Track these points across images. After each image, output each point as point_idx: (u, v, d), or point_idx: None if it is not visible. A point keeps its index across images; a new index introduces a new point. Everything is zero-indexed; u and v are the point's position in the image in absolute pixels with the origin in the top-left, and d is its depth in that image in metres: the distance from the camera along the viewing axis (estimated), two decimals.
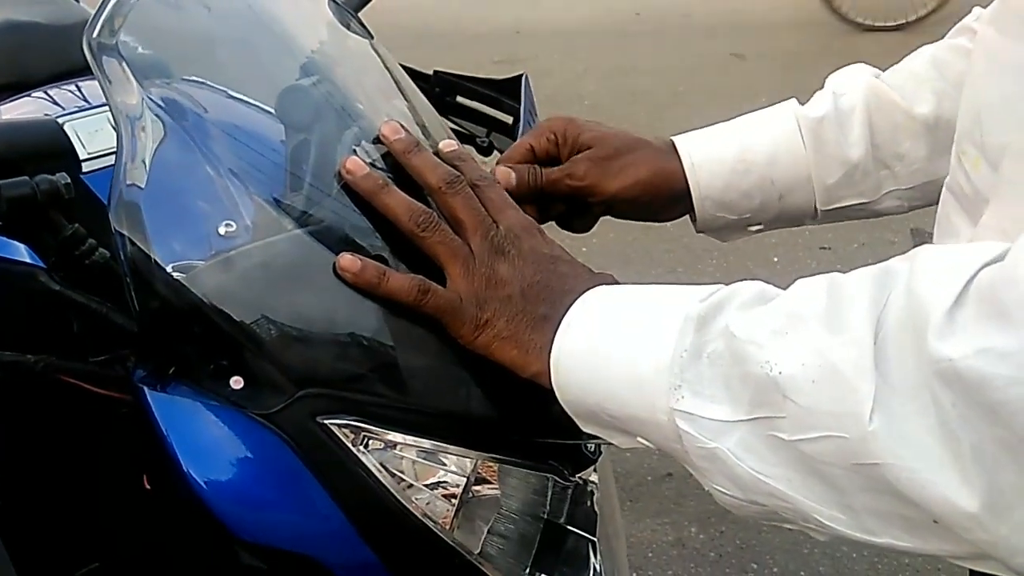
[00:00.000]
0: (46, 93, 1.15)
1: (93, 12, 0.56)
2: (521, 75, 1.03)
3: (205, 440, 0.52)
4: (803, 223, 0.73)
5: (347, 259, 0.52)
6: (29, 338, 0.61)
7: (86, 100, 1.12)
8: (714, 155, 0.69)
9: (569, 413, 0.51)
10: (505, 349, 0.51)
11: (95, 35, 0.54)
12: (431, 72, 1.05)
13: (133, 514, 0.70)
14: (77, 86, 1.16)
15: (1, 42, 1.18)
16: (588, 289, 0.51)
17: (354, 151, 0.58)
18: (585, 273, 0.54)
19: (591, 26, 5.09)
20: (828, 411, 0.38)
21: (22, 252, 0.67)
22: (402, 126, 0.59)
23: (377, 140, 0.60)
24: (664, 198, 0.69)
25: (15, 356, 0.56)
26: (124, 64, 0.54)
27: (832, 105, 0.69)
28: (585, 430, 0.51)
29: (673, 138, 0.71)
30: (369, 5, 0.98)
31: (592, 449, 0.62)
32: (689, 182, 0.68)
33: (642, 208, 0.69)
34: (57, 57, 1.18)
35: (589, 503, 0.65)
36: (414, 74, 0.90)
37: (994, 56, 0.50)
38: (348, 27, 0.75)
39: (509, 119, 1.02)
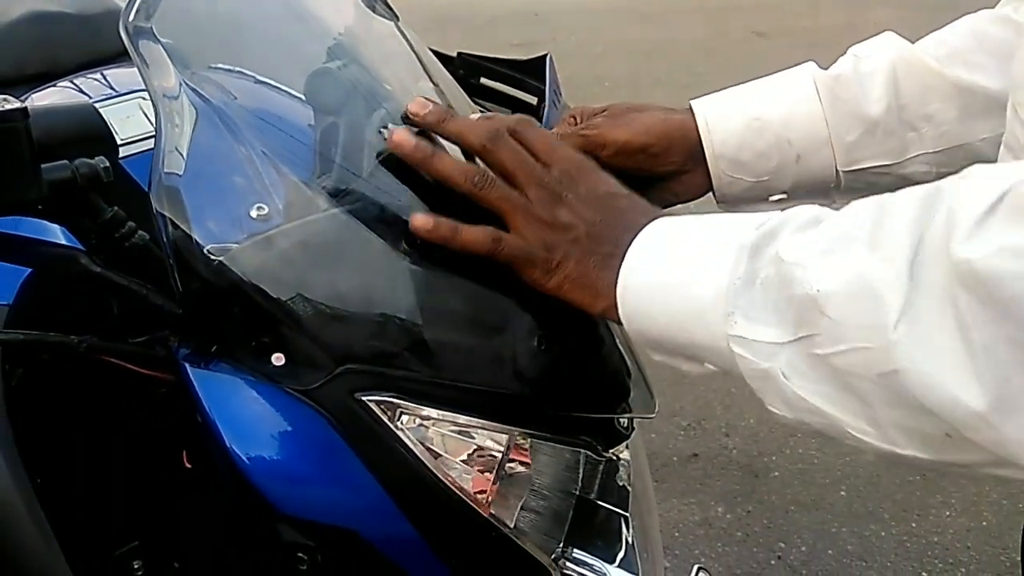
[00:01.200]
0: (72, 82, 1.16)
1: (119, 1, 0.56)
2: (545, 55, 1.03)
3: (247, 416, 0.53)
4: (827, 192, 0.71)
5: (420, 218, 0.53)
6: (71, 320, 0.63)
7: (113, 88, 1.13)
8: (729, 113, 0.68)
9: (639, 343, 0.53)
10: (575, 290, 0.53)
11: (131, 19, 0.54)
12: (455, 54, 1.06)
13: (173, 492, 0.71)
14: (103, 75, 1.17)
15: (29, 32, 1.19)
16: (648, 223, 0.52)
17: (380, 132, 0.58)
18: (643, 206, 0.55)
19: (610, 7, 5.06)
20: (857, 323, 0.39)
21: (59, 236, 0.68)
22: (429, 100, 0.60)
23: (406, 119, 0.60)
24: (677, 151, 0.68)
25: (59, 337, 0.57)
26: (161, 47, 0.54)
27: (852, 66, 0.68)
28: (655, 358, 0.53)
29: (690, 101, 0.70)
30: None
31: (624, 424, 0.62)
32: (703, 140, 0.68)
33: (655, 159, 0.68)
34: (84, 47, 1.19)
35: (621, 479, 0.65)
36: (438, 56, 0.90)
37: None
38: (374, 9, 0.75)
39: (534, 100, 1.03)
